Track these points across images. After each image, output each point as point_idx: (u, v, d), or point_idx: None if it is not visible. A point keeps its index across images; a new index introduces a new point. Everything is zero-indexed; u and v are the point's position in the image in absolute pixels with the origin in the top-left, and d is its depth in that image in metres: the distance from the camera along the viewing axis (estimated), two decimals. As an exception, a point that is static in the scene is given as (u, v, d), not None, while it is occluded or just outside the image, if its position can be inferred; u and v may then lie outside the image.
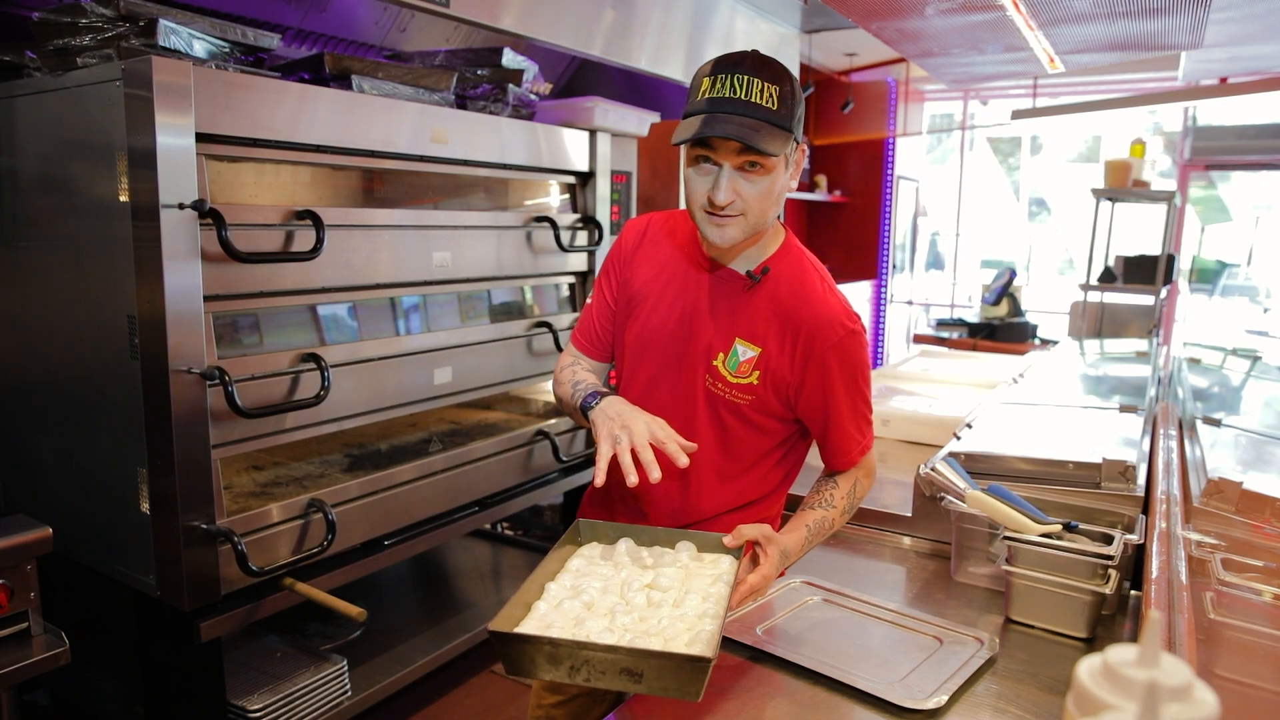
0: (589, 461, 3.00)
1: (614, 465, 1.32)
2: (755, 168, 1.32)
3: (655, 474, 1.29)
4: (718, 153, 1.31)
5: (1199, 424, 1.94)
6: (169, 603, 1.96)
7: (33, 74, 2.11)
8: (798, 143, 1.37)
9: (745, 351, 1.45)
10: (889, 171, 7.62)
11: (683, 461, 1.31)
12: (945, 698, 1.18)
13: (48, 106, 2.02)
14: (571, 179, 3.15)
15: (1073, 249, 9.04)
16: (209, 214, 1.86)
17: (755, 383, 1.44)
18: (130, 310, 1.88)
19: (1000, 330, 5.24)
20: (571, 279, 3.11)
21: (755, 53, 1.35)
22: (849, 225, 7.84)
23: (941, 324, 5.68)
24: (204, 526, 1.93)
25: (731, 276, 1.46)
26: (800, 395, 1.45)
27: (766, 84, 1.30)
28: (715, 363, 1.45)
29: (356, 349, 2.32)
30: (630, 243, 1.58)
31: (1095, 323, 4.70)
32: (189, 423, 1.89)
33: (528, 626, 1.14)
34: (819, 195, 7.51)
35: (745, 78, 1.30)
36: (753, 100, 1.29)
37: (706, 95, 1.32)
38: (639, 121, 3.44)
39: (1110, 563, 1.37)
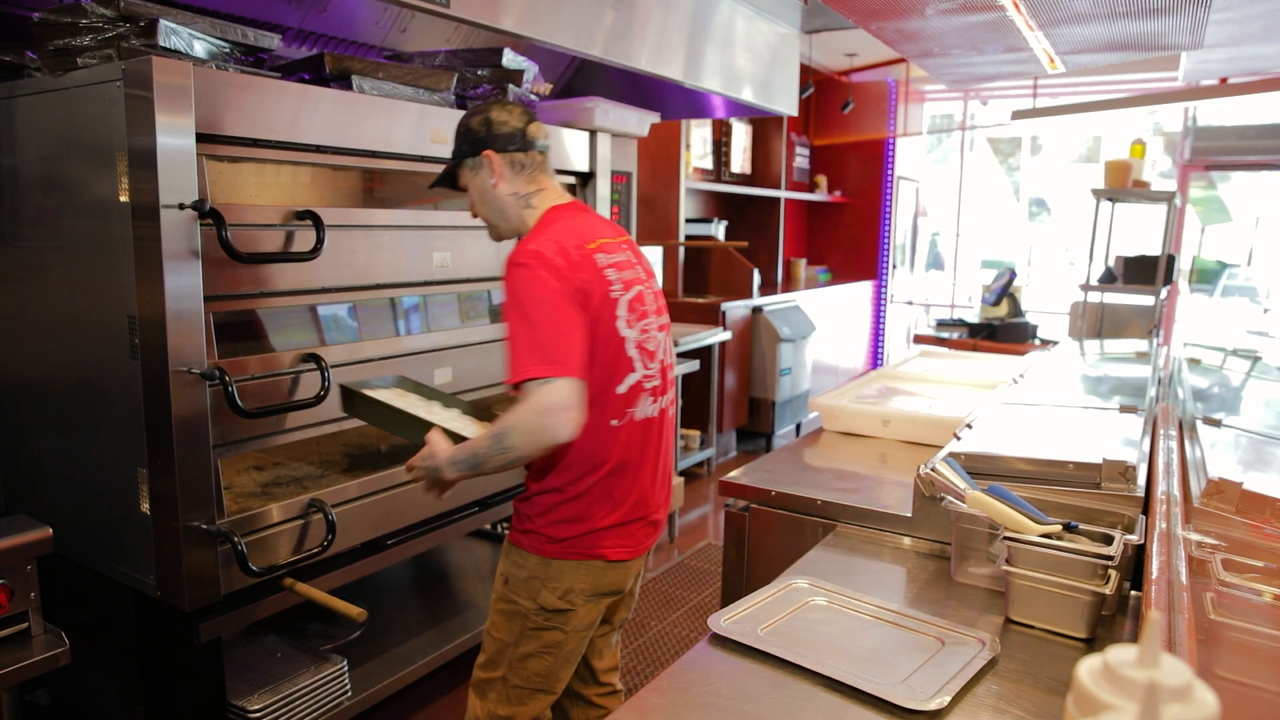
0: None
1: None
2: (462, 192, 1.85)
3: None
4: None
5: (1199, 424, 1.94)
6: (169, 603, 1.96)
7: (33, 74, 2.10)
8: (472, 157, 1.77)
9: None
10: (889, 172, 7.63)
11: None
12: (948, 699, 1.17)
13: (48, 107, 2.02)
14: (572, 179, 3.15)
15: (1073, 249, 9.04)
16: (209, 214, 1.86)
17: None
18: (130, 310, 1.88)
19: (1000, 330, 5.24)
20: (571, 279, 3.11)
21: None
22: (849, 225, 7.85)
23: (942, 324, 5.69)
24: (204, 527, 1.93)
25: None
26: None
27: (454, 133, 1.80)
28: None
29: (357, 349, 2.32)
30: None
31: (1095, 323, 4.69)
32: (189, 423, 1.89)
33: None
34: (819, 195, 7.52)
35: None
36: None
37: None
38: (639, 122, 3.44)
39: (1110, 563, 1.37)
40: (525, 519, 1.76)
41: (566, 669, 1.79)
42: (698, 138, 6.14)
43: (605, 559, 1.72)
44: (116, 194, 1.86)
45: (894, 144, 7.60)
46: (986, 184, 9.04)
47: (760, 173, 6.86)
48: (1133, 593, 1.53)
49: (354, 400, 2.00)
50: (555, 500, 1.71)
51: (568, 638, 1.75)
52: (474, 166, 1.78)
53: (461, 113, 2.65)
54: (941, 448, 1.89)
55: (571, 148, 3.04)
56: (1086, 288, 4.62)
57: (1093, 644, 1.38)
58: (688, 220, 5.75)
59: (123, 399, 1.94)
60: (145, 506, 1.94)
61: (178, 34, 1.93)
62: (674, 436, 1.94)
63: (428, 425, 1.80)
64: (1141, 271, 4.54)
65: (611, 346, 1.66)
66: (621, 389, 1.69)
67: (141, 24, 1.91)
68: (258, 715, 2.17)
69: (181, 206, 1.82)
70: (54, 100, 1.99)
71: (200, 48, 1.98)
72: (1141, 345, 3.42)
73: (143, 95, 1.77)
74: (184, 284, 1.85)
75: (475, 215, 1.86)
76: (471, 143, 1.77)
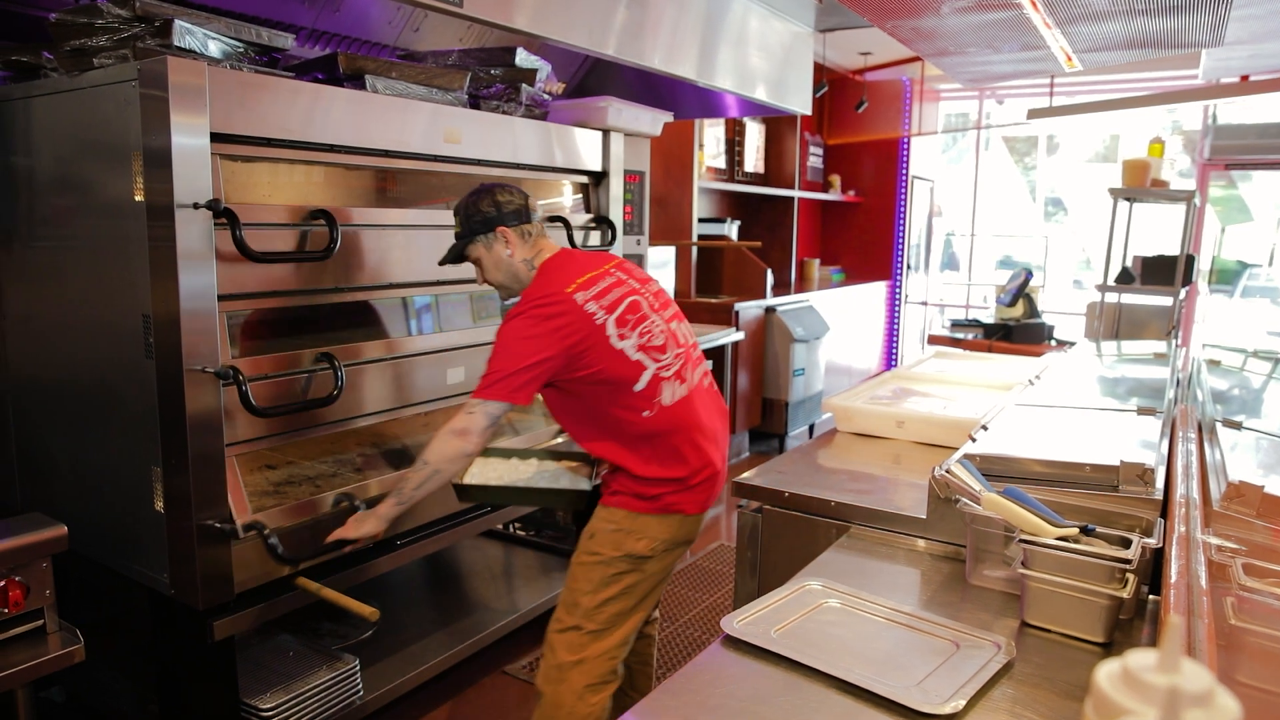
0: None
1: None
2: (475, 264, 2.11)
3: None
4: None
5: (1219, 426, 1.91)
6: (183, 601, 1.96)
7: (50, 74, 2.12)
8: (486, 234, 2.04)
9: None
10: (904, 171, 7.59)
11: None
12: (963, 702, 1.16)
13: (64, 107, 2.03)
14: (585, 179, 3.15)
15: (1090, 249, 8.97)
16: (223, 214, 1.87)
17: None
18: (145, 310, 1.89)
19: (1016, 331, 5.20)
20: (584, 279, 3.11)
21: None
22: (863, 225, 7.81)
23: (957, 325, 5.65)
24: (217, 525, 1.93)
25: None
26: None
27: (455, 216, 2.08)
28: None
29: (369, 348, 2.32)
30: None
31: (1113, 324, 4.65)
32: (203, 422, 1.90)
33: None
34: (833, 195, 7.49)
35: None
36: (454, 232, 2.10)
37: None
38: (652, 121, 3.43)
39: (1128, 567, 1.35)
40: (613, 487, 2.05)
41: (637, 613, 2.06)
42: (711, 137, 6.13)
43: (684, 513, 2.03)
44: (131, 193, 1.87)
45: (909, 143, 7.56)
46: (1002, 183, 8.98)
47: (774, 172, 6.84)
48: (1151, 597, 1.51)
49: (466, 491, 2.20)
50: (629, 475, 2.01)
51: (644, 579, 2.04)
52: (488, 242, 2.06)
53: (477, 113, 2.67)
54: (956, 449, 1.88)
55: (584, 147, 3.04)
56: (1104, 288, 4.58)
57: (1110, 649, 1.36)
58: (701, 220, 5.74)
59: (137, 398, 1.95)
60: (159, 505, 1.95)
61: (192, 34, 1.94)
62: (721, 395, 2.25)
63: (540, 491, 2.22)
64: (1160, 272, 4.49)
65: (615, 360, 1.95)
66: (639, 386, 1.97)
67: (157, 24, 1.92)
68: (270, 714, 2.17)
69: (196, 206, 1.83)
70: (70, 100, 2.00)
71: (215, 48, 1.99)
72: (1160, 346, 3.37)
73: (158, 95, 1.78)
74: (198, 283, 1.86)
75: (484, 282, 2.12)
76: (484, 221, 2.05)
